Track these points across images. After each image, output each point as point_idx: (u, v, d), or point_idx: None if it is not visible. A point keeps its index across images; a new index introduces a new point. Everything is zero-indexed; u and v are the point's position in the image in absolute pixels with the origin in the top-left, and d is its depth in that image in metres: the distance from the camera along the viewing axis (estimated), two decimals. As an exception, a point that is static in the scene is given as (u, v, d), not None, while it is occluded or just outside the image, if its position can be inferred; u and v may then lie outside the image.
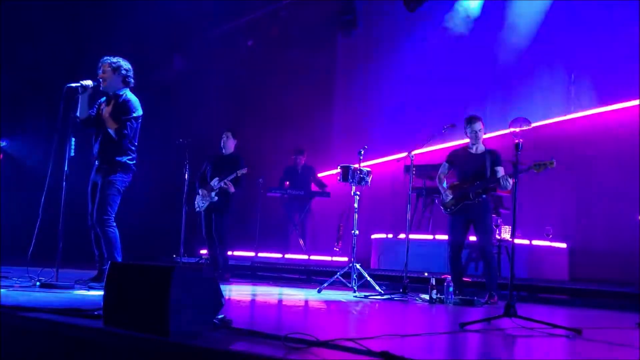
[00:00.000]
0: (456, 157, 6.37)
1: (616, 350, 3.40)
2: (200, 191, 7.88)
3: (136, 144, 5.59)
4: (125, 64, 5.59)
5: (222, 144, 8.00)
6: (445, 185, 6.34)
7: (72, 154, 5.26)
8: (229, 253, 8.33)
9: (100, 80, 5.47)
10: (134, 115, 5.48)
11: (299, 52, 11.66)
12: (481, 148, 6.25)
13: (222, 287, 3.17)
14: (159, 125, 8.90)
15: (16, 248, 7.05)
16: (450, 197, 6.18)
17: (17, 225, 8.81)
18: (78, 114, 5.47)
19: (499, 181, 5.91)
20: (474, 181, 6.09)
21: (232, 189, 7.66)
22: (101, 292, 3.14)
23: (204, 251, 9.48)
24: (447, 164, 6.41)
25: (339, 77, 12.08)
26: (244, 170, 7.61)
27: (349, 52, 11.85)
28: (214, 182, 7.69)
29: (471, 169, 6.18)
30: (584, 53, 8.70)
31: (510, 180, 5.82)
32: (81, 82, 5.34)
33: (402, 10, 10.40)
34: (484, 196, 6.08)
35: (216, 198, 7.73)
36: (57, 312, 3.32)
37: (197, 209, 7.93)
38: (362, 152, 6.73)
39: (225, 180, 7.61)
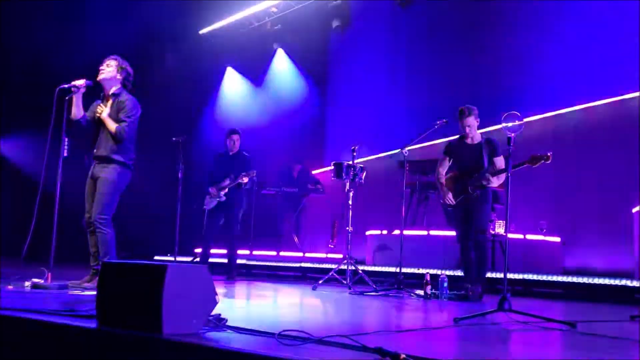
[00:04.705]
0: (453, 149, 6.24)
1: (610, 342, 3.41)
2: (209, 190, 7.93)
3: (135, 143, 5.57)
4: (129, 68, 5.59)
5: (228, 145, 8.00)
6: (442, 181, 6.20)
7: (66, 154, 5.24)
8: (214, 251, 8.36)
9: (100, 71, 5.45)
10: (134, 114, 5.46)
11: (291, 46, 11.66)
12: (477, 138, 6.09)
13: (217, 285, 3.17)
14: (152, 124, 8.85)
15: (9, 249, 7.03)
16: (449, 193, 6.10)
17: (10, 226, 8.79)
18: (72, 114, 5.44)
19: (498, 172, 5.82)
20: (472, 173, 5.99)
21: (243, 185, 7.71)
22: (94, 292, 3.13)
23: (198, 249, 9.47)
24: (445, 156, 6.27)
25: (331, 72, 12.06)
26: (244, 180, 7.62)
27: (341, 47, 11.83)
28: (224, 182, 7.77)
29: (468, 160, 6.06)
30: (578, 44, 8.69)
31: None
32: (73, 82, 5.31)
33: (394, 5, 10.44)
34: (483, 187, 5.96)
35: (224, 198, 7.78)
36: (50, 312, 3.31)
37: (205, 208, 7.99)
38: (355, 149, 6.72)
39: (230, 185, 7.69)
